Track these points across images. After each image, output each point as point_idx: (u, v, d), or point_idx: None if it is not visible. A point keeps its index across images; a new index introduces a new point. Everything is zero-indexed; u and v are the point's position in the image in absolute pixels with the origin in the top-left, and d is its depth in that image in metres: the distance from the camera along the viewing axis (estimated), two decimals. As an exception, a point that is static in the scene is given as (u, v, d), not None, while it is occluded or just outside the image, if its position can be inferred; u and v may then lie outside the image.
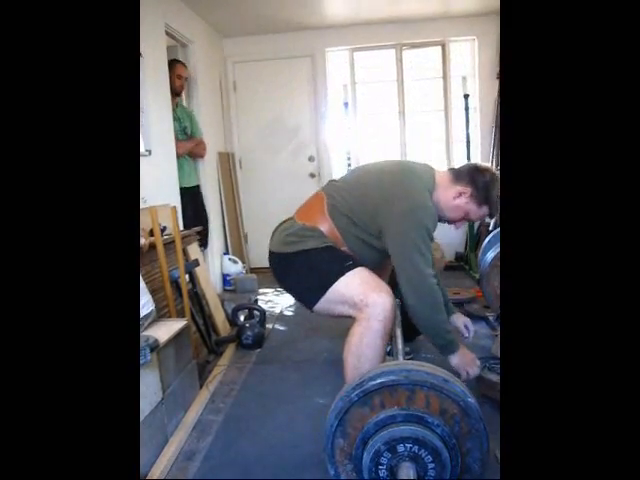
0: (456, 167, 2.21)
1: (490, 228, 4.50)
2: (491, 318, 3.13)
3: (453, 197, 2.11)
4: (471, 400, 1.37)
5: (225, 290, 4.79)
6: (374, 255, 2.11)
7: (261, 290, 4.62)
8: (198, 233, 3.48)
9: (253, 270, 5.25)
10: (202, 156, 4.36)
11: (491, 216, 2.27)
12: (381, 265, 2.20)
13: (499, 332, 2.74)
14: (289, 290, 2.18)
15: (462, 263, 5.01)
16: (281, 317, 3.77)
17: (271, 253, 2.17)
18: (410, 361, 1.53)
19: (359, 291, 1.88)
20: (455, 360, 2.05)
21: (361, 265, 1.99)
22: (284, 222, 2.23)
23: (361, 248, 2.09)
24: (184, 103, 4.35)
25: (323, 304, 1.99)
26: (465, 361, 2.06)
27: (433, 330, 2.02)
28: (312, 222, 2.09)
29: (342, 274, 1.94)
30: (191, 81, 4.39)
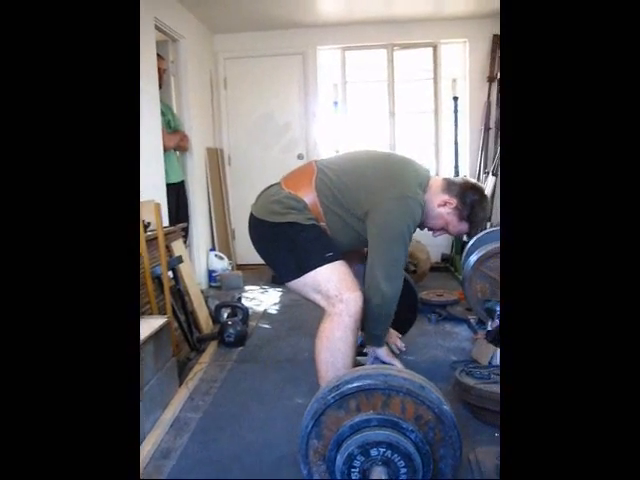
0: (452, 178, 2.24)
1: (464, 239, 4.54)
2: (473, 321, 3.14)
3: (438, 204, 2.13)
4: (446, 407, 1.38)
5: (211, 286, 4.77)
6: (350, 238, 2.13)
7: (247, 287, 4.62)
8: (183, 229, 3.46)
9: (240, 267, 5.24)
10: (186, 149, 4.35)
11: (469, 235, 2.30)
12: (352, 248, 2.22)
13: (479, 335, 2.75)
14: (264, 258, 2.21)
15: (448, 264, 5.02)
16: (265, 315, 3.76)
17: (253, 217, 2.17)
18: (388, 366, 1.53)
19: (336, 286, 1.94)
20: (382, 352, 2.16)
21: (336, 247, 2.04)
22: (270, 187, 2.22)
23: (339, 227, 2.10)
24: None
25: (297, 284, 2.05)
26: (388, 353, 2.19)
27: (384, 319, 2.08)
28: (297, 192, 2.09)
29: (322, 264, 1.97)
30: (180, 76, 4.37)
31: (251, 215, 2.18)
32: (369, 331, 2.12)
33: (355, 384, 1.38)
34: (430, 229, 2.25)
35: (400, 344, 2.56)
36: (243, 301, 4.06)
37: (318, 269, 1.97)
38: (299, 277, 2.01)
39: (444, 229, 2.22)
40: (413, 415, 1.38)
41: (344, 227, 2.09)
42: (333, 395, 1.39)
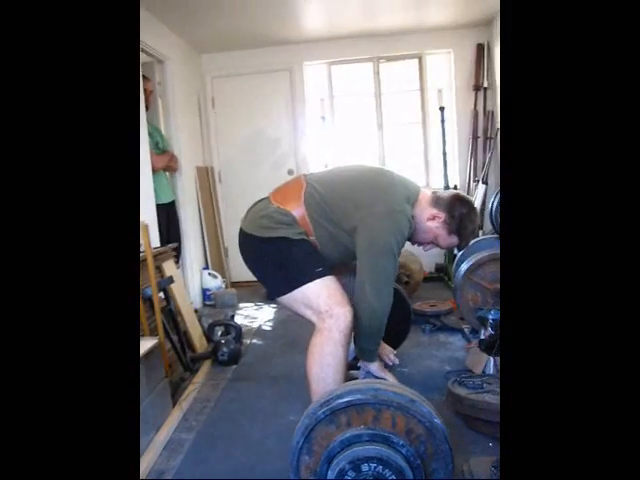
0: (440, 191, 2.23)
1: (455, 252, 4.55)
2: (466, 330, 3.13)
3: (427, 218, 2.13)
4: (437, 421, 1.37)
5: (205, 305, 4.76)
6: (339, 251, 2.12)
7: (241, 304, 4.60)
8: (174, 250, 3.46)
9: (234, 284, 5.23)
10: (175, 170, 4.36)
11: (459, 248, 2.30)
12: (342, 262, 2.20)
13: (472, 344, 2.75)
14: (255, 273, 2.20)
15: (442, 274, 5.02)
16: (259, 332, 3.75)
17: (243, 232, 2.16)
18: (379, 380, 1.53)
19: (326, 302, 1.94)
20: (375, 367, 2.15)
21: (326, 262, 2.05)
22: (259, 202, 2.22)
23: (329, 242, 2.09)
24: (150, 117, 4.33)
25: (287, 300, 2.05)
26: (380, 368, 2.18)
27: (375, 334, 2.07)
28: (286, 206, 2.08)
29: (312, 279, 1.97)
30: (167, 96, 4.39)
31: (240, 230, 2.18)
32: (361, 346, 2.11)
33: (345, 399, 1.37)
34: (420, 243, 2.25)
35: (393, 358, 2.55)
36: (237, 318, 4.06)
37: (308, 284, 1.97)
38: (289, 293, 2.01)
39: (434, 243, 2.21)
40: (404, 429, 1.37)
41: (333, 241, 2.09)
42: (323, 410, 1.38)
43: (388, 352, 2.54)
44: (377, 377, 2.12)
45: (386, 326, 2.11)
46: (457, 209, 2.11)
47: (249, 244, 2.14)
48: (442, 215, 2.12)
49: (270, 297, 2.13)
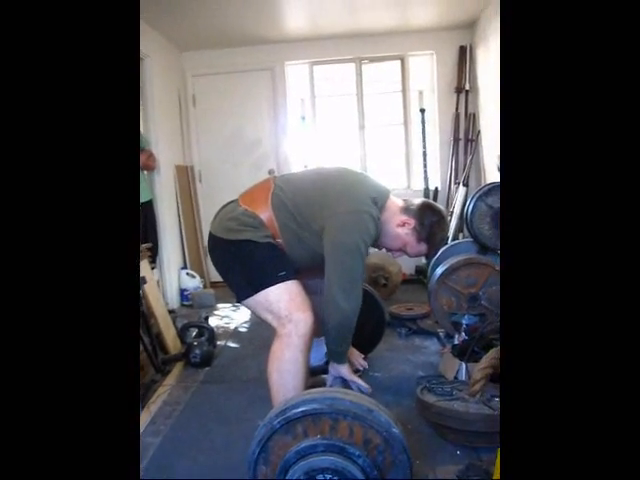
0: (410, 199, 2.21)
1: (418, 264, 4.56)
2: (442, 334, 3.12)
3: (396, 224, 2.11)
4: (395, 430, 1.35)
5: (183, 305, 4.73)
6: (307, 254, 2.09)
7: (219, 305, 4.57)
8: (149, 249, 3.42)
9: (213, 284, 5.19)
10: (153, 169, 4.32)
11: (427, 256, 2.29)
12: (310, 265, 2.16)
13: (446, 349, 2.73)
14: (222, 275, 2.19)
15: (421, 277, 5.01)
16: (235, 334, 3.72)
17: (211, 234, 2.15)
18: (336, 389, 1.50)
19: (286, 306, 1.92)
20: (344, 370, 2.13)
21: (291, 266, 2.02)
22: (228, 204, 2.20)
23: (296, 245, 2.06)
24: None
25: (250, 303, 2.03)
26: (350, 372, 2.16)
27: (345, 336, 2.05)
28: (254, 208, 2.06)
29: (274, 283, 1.95)
30: (146, 94, 4.34)
31: (209, 234, 2.16)
32: (330, 348, 2.09)
33: (301, 409, 1.35)
34: (388, 249, 2.23)
35: (362, 362, 2.53)
36: (214, 319, 4.04)
37: (270, 288, 1.94)
38: (252, 296, 1.99)
39: (402, 250, 2.19)
40: (362, 439, 1.35)
41: (300, 244, 2.06)
42: (279, 420, 1.36)
43: (357, 356, 2.52)
44: (346, 380, 2.11)
45: (358, 330, 2.10)
46: (427, 217, 2.10)
47: (216, 246, 2.12)
48: (412, 222, 2.10)
49: (236, 300, 2.11)
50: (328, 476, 1.30)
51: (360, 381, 2.14)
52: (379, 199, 2.08)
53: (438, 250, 2.26)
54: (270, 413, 1.43)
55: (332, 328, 2.00)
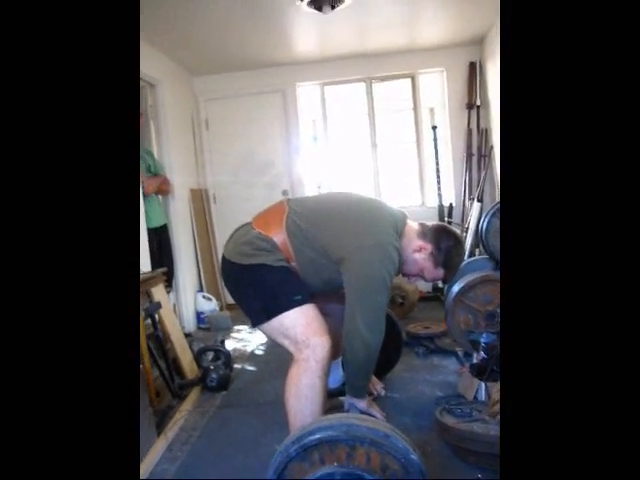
0: (427, 223, 2.19)
1: (439, 285, 4.53)
2: (460, 353, 3.08)
3: (413, 250, 2.10)
4: (413, 457, 1.32)
5: (199, 328, 4.72)
6: (322, 280, 2.07)
7: (236, 327, 4.55)
8: (164, 274, 3.42)
9: (229, 307, 5.19)
10: (168, 193, 4.34)
11: (444, 281, 2.27)
12: (325, 290, 2.14)
13: (464, 369, 2.69)
14: (236, 300, 2.17)
15: (439, 294, 4.97)
16: (251, 356, 3.70)
17: (224, 259, 2.13)
18: (352, 414, 1.48)
19: (303, 331, 1.90)
20: (363, 404, 2.11)
21: (306, 290, 1.99)
22: (242, 227, 2.18)
23: (311, 269, 2.04)
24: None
25: (266, 328, 2.01)
26: (368, 405, 2.13)
27: (367, 371, 2.04)
28: (268, 232, 2.04)
29: (290, 308, 1.93)
30: (159, 120, 4.39)
31: (222, 256, 2.15)
32: (351, 383, 2.07)
33: (317, 435, 1.33)
34: (405, 275, 2.21)
35: (379, 389, 2.50)
36: (231, 342, 4.03)
37: (285, 313, 1.92)
38: (267, 321, 1.97)
39: (420, 275, 2.18)
40: (379, 466, 1.32)
41: (316, 269, 2.04)
42: (295, 448, 1.33)
43: (375, 382, 2.49)
44: (363, 413, 2.07)
45: None
46: (443, 241, 2.09)
47: (230, 271, 2.11)
48: (429, 247, 2.08)
49: (251, 325, 2.09)
50: (346, 505, 1.28)
51: (376, 412, 2.13)
52: (399, 227, 2.07)
53: (454, 275, 2.23)
54: (286, 440, 1.41)
55: (355, 362, 1.98)
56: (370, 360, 1.98)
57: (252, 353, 3.78)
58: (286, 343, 1.95)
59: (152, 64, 4.22)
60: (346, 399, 2.14)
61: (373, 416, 2.05)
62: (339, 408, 2.19)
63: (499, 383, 2.04)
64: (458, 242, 2.14)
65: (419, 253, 2.09)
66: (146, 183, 3.85)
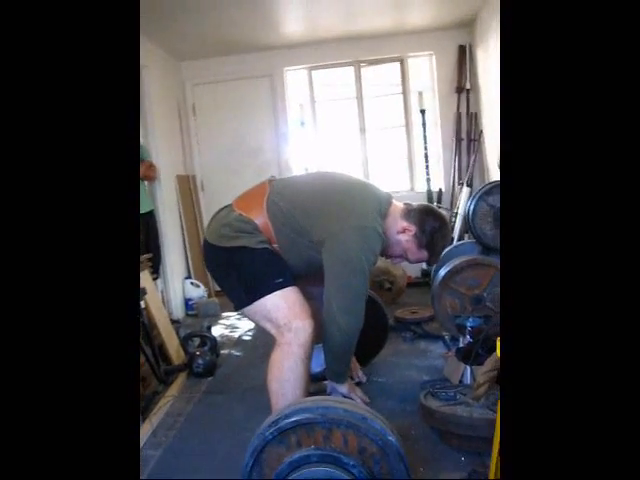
0: (412, 204, 2.16)
1: (424, 267, 4.51)
2: (447, 338, 3.07)
3: (397, 231, 2.07)
4: (391, 439, 1.31)
5: (188, 315, 4.71)
6: (303, 262, 2.05)
7: (224, 313, 4.53)
8: (149, 260, 3.40)
9: (217, 293, 5.16)
10: (153, 179, 4.31)
11: (429, 263, 2.24)
12: (307, 272, 2.12)
13: (450, 353, 2.69)
14: (219, 285, 2.16)
15: (427, 279, 4.96)
16: (239, 342, 3.69)
17: (205, 242, 2.11)
18: (330, 397, 1.47)
19: (285, 315, 1.88)
20: (344, 389, 2.12)
21: (288, 272, 1.98)
22: (222, 209, 2.16)
23: (293, 251, 2.02)
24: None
25: (248, 312, 2.00)
26: (352, 388, 2.14)
27: (344, 356, 2.03)
28: (248, 213, 2.02)
29: (272, 291, 1.91)
30: (144, 105, 4.34)
31: (204, 239, 2.13)
32: (329, 367, 2.06)
33: (293, 418, 1.31)
34: (389, 256, 2.19)
35: (361, 375, 2.49)
36: (219, 328, 4.01)
37: (267, 296, 1.90)
38: (249, 305, 1.95)
39: (403, 256, 2.15)
40: (356, 448, 1.31)
41: (297, 251, 2.02)
42: (271, 431, 1.32)
43: (357, 367, 2.48)
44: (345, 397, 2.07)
45: (360, 338, 2.05)
46: (428, 223, 2.06)
47: (211, 254, 2.09)
48: (413, 228, 2.06)
49: (234, 309, 2.07)
50: (322, 487, 1.26)
51: (358, 396, 2.13)
52: (382, 208, 2.04)
53: (439, 257, 2.20)
54: (263, 423, 1.40)
55: (331, 348, 1.97)
56: (347, 345, 1.97)
57: (239, 339, 3.77)
58: (268, 326, 1.94)
59: (137, 48, 4.15)
60: (328, 383, 2.13)
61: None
62: (323, 392, 2.18)
63: (484, 367, 2.03)
64: (443, 224, 2.11)
65: (403, 234, 2.07)
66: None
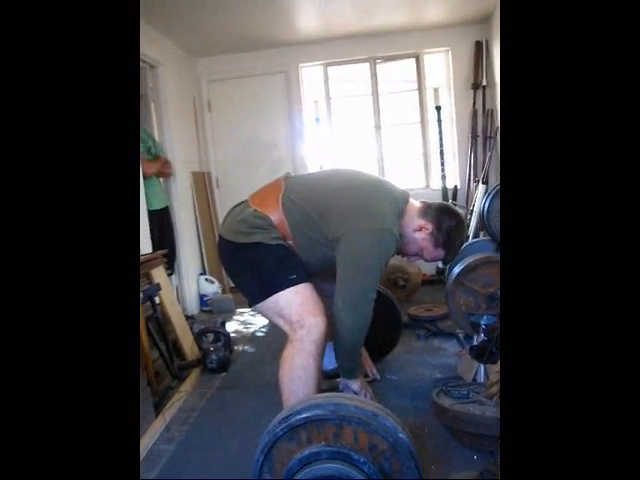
0: (429, 202, 2.15)
1: (439, 264, 4.48)
2: (461, 336, 3.05)
3: (414, 229, 2.07)
4: (402, 436, 1.30)
5: (202, 311, 4.72)
6: (318, 259, 2.05)
7: (239, 310, 4.54)
8: (164, 256, 3.41)
9: (232, 289, 5.18)
10: (169, 175, 4.33)
11: (444, 262, 2.23)
12: (322, 269, 2.11)
13: (464, 351, 2.67)
14: (233, 280, 2.17)
15: (443, 277, 4.93)
16: (252, 338, 3.69)
17: (220, 238, 2.11)
18: (340, 394, 1.46)
19: (298, 311, 1.87)
20: (356, 386, 2.10)
21: (302, 269, 1.98)
22: (238, 205, 2.16)
23: (307, 248, 2.02)
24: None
25: (262, 308, 2.00)
26: (363, 386, 2.13)
27: (351, 353, 2.02)
28: (264, 209, 2.02)
29: (285, 287, 1.91)
30: (160, 101, 4.36)
31: (219, 235, 2.13)
32: (339, 364, 2.06)
33: (304, 415, 1.31)
34: (405, 255, 2.18)
35: (375, 372, 2.49)
36: (233, 324, 4.03)
37: (280, 292, 1.90)
38: (262, 301, 1.95)
39: (419, 255, 2.15)
40: (367, 445, 1.30)
41: (312, 248, 2.01)
42: (282, 427, 1.32)
43: (370, 365, 2.48)
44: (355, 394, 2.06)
45: (372, 335, 2.05)
46: (445, 221, 2.05)
47: (226, 249, 2.09)
48: (429, 227, 2.05)
49: (248, 305, 2.08)
50: (332, 484, 1.26)
51: (369, 393, 2.13)
52: (399, 207, 2.03)
53: (455, 255, 2.19)
54: (274, 420, 1.40)
55: (339, 344, 1.97)
56: (353, 342, 1.97)
57: (253, 335, 3.77)
58: (281, 323, 1.94)
59: (153, 46, 4.17)
60: (341, 380, 2.13)
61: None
62: (336, 389, 2.18)
63: (498, 366, 2.02)
64: (460, 223, 2.10)
65: (419, 232, 2.06)
66: (146, 165, 3.82)
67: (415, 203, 2.12)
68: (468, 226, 4.36)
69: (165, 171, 4.20)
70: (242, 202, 2.14)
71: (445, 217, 2.06)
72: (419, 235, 2.06)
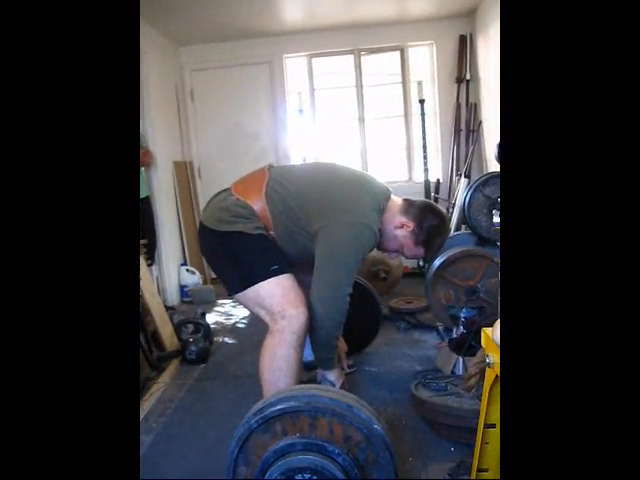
0: (412, 199, 2.15)
1: (420, 264, 4.52)
2: (441, 328, 3.07)
3: (395, 226, 2.06)
4: (376, 427, 1.30)
5: (183, 302, 4.70)
6: (298, 250, 2.04)
7: (220, 301, 4.53)
8: (145, 246, 3.39)
9: (213, 280, 5.16)
10: (149, 165, 4.28)
11: (425, 260, 2.24)
12: (302, 259, 2.09)
13: (443, 344, 2.69)
14: (212, 269, 2.18)
15: (424, 270, 4.95)
16: (233, 330, 3.68)
17: (201, 225, 2.09)
18: (315, 385, 1.46)
19: (279, 302, 1.87)
20: (332, 376, 2.10)
21: (284, 259, 1.97)
22: (220, 192, 2.14)
23: (288, 239, 2.01)
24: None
25: (242, 298, 1.99)
26: (337, 376, 2.12)
27: (326, 344, 2.01)
28: (246, 198, 2.00)
29: (266, 277, 1.90)
30: (142, 90, 4.30)
31: (200, 222, 2.11)
32: (315, 354, 2.06)
33: (278, 407, 1.30)
34: (385, 250, 2.18)
35: (345, 365, 2.51)
36: (213, 315, 4.01)
37: (262, 283, 1.89)
38: (243, 291, 1.94)
39: (399, 252, 2.15)
40: (342, 437, 1.30)
41: (293, 239, 2.01)
42: (256, 419, 1.31)
43: (343, 358, 2.50)
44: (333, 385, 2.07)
45: (351, 326, 2.05)
46: (427, 220, 2.05)
47: (206, 237, 2.07)
48: (411, 225, 2.05)
49: (227, 294, 2.06)
50: (307, 476, 1.26)
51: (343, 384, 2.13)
52: (380, 203, 2.03)
53: (435, 254, 2.20)
54: (249, 412, 1.39)
55: (314, 335, 1.97)
56: (328, 334, 1.96)
57: (234, 326, 3.77)
58: (262, 313, 1.93)
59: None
60: (318, 371, 2.13)
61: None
62: (316, 381, 2.18)
63: (476, 358, 2.03)
64: (442, 222, 2.10)
65: (400, 230, 2.06)
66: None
67: (397, 200, 2.11)
68: (450, 219, 4.38)
69: (146, 160, 4.17)
70: (225, 190, 2.12)
71: (427, 216, 2.06)
72: (400, 232, 2.06)
